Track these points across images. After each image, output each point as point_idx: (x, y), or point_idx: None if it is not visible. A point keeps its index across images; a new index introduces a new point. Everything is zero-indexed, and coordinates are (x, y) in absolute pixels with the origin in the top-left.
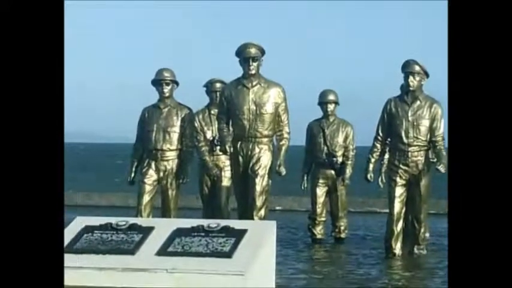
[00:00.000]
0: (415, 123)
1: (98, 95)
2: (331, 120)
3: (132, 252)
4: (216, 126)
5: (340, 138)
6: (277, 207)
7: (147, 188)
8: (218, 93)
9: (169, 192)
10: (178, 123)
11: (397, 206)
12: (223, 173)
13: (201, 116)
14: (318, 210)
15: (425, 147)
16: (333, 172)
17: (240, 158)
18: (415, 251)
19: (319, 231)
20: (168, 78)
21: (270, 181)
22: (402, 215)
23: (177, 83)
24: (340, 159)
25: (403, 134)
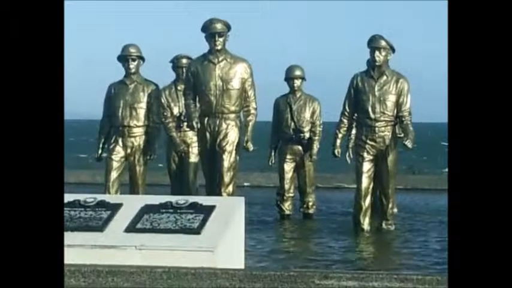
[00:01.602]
0: (381, 99)
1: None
2: (298, 95)
3: (100, 229)
4: (183, 102)
5: (307, 114)
6: (245, 183)
7: (115, 164)
8: (184, 69)
9: (137, 168)
10: (145, 99)
11: (365, 181)
12: (190, 149)
13: (167, 92)
14: (286, 186)
15: (392, 123)
16: (300, 148)
17: (207, 134)
18: (383, 226)
19: (287, 207)
20: (134, 54)
21: (238, 157)
22: (370, 190)
23: (143, 59)
24: (307, 135)
25: (369, 109)
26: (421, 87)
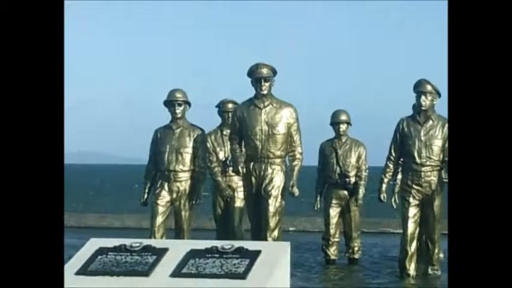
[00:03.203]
0: (427, 143)
1: (109, 113)
2: (343, 140)
3: (146, 273)
4: (229, 147)
5: (352, 159)
6: (291, 228)
7: (160, 209)
8: (230, 114)
9: (183, 213)
10: (191, 144)
11: (411, 226)
12: (236, 194)
13: (213, 137)
14: (332, 231)
15: (438, 167)
16: (346, 192)
17: (253, 179)
18: (429, 271)
19: (333, 251)
20: (181, 99)
21: (283, 202)
22: (416, 235)
23: (189, 104)
24: (353, 180)
25: (415, 154)
26: None
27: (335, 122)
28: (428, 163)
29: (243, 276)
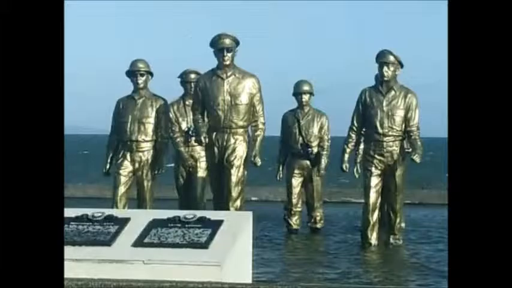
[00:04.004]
0: (389, 113)
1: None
2: (306, 110)
3: (108, 243)
4: (191, 117)
5: (315, 129)
6: (253, 198)
7: (123, 179)
8: (193, 84)
9: (145, 183)
10: (153, 114)
11: (373, 196)
12: (198, 164)
13: (175, 107)
14: (294, 201)
15: (400, 137)
16: (308, 162)
17: (216, 149)
18: (391, 240)
19: (295, 221)
20: (143, 69)
21: (246, 172)
22: (378, 205)
23: (151, 74)
24: (315, 150)
25: (378, 124)
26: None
27: (297, 93)
28: (390, 133)
29: (205, 245)
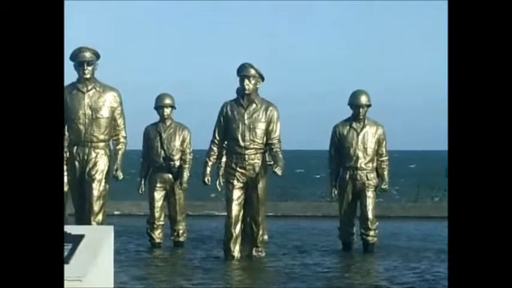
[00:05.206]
0: (251, 127)
1: None
2: (167, 124)
3: None
4: None
5: (177, 142)
6: (116, 212)
7: None
8: None
9: None
10: None
11: (235, 208)
12: None
13: None
14: (156, 214)
15: (262, 150)
16: (170, 176)
17: (77, 163)
18: (254, 253)
19: (157, 235)
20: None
21: (108, 186)
22: (240, 217)
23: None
24: (177, 163)
25: (239, 137)
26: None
27: (159, 106)
28: (252, 146)
29: (66, 260)
